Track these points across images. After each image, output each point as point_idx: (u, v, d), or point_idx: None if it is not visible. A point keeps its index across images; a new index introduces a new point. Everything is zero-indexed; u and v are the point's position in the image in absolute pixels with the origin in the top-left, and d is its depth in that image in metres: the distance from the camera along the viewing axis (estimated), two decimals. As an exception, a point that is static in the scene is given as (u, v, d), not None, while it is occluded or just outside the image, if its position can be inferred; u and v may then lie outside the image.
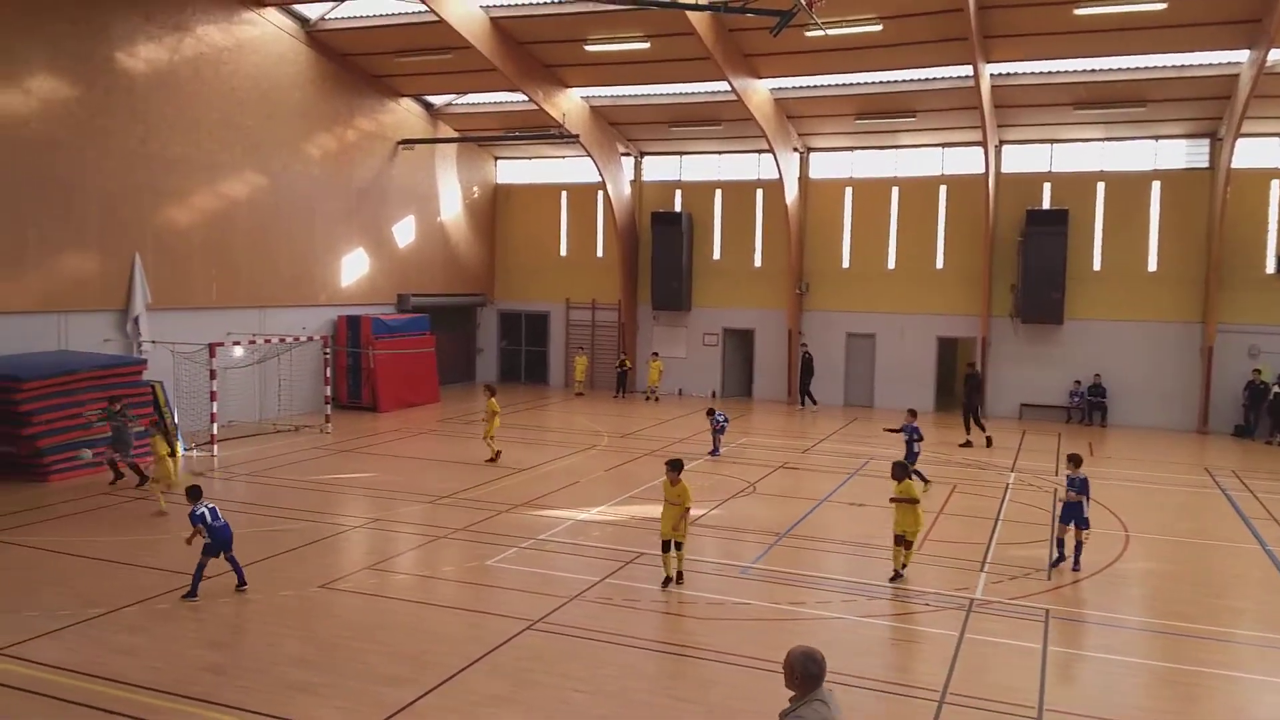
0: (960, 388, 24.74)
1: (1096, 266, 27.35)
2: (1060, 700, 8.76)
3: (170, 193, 21.42)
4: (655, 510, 15.55)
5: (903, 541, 12.10)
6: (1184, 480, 19.41)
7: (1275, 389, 24.63)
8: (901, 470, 12.46)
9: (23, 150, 18.20)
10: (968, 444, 22.95)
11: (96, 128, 19.61)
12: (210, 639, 9.87)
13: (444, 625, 10.43)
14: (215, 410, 19.93)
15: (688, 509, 11.87)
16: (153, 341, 20.35)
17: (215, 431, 19.90)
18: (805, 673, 5.14)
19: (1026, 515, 16.01)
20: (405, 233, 29.75)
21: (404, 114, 29.28)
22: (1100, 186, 27.28)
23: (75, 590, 11.15)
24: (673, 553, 11.84)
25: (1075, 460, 13.13)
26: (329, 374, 23.64)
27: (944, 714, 8.45)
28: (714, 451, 20.97)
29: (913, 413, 18.73)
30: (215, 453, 19.55)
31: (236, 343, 21.86)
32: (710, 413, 21.67)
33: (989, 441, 23.02)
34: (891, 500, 12.28)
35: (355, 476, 18.14)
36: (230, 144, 22.95)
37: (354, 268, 27.49)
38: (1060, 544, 12.96)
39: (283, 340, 22.79)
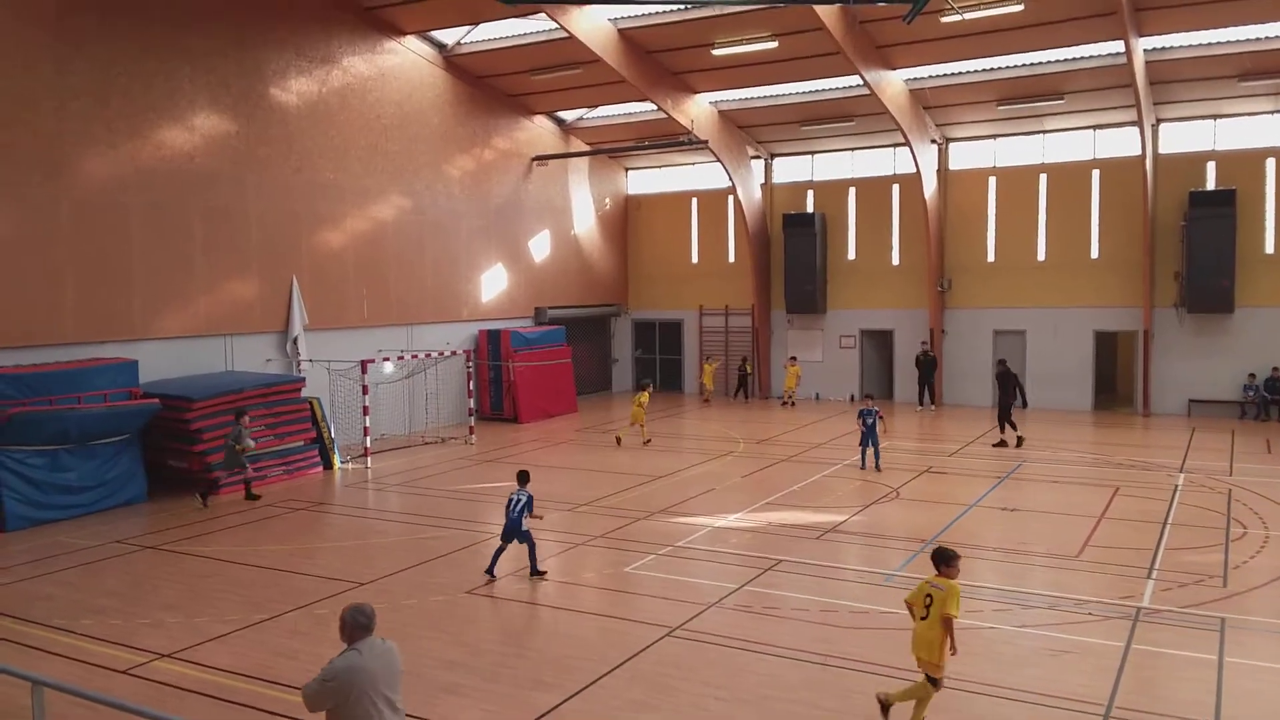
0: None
1: (1269, 249, 25.27)
2: (1240, 714, 8.08)
3: (323, 218, 22.62)
4: (796, 516, 15.40)
5: None
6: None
7: None
8: None
9: (189, 183, 19.59)
10: (1002, 444, 21.53)
11: (255, 159, 20.91)
12: (365, 642, 10.25)
13: (585, 631, 10.54)
14: (368, 424, 20.85)
15: (950, 619, 7.75)
16: (310, 360, 21.50)
17: (369, 444, 20.81)
18: (353, 623, 5.82)
19: (1199, 519, 14.90)
20: (540, 247, 30.42)
21: (537, 131, 29.98)
22: (1270, 163, 25.21)
23: (242, 597, 11.83)
24: (921, 687, 7.92)
25: None
26: (472, 387, 24.38)
27: (1109, 730, 7.93)
28: (864, 464, 19.11)
29: None
30: (369, 464, 20.43)
31: (387, 359, 22.83)
32: (866, 401, 19.80)
33: (1019, 441, 21.46)
34: None
35: (498, 485, 18.59)
36: (376, 169, 24.04)
37: (493, 283, 28.29)
38: None
39: (429, 356, 23.67)
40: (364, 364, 20.88)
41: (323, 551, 14.10)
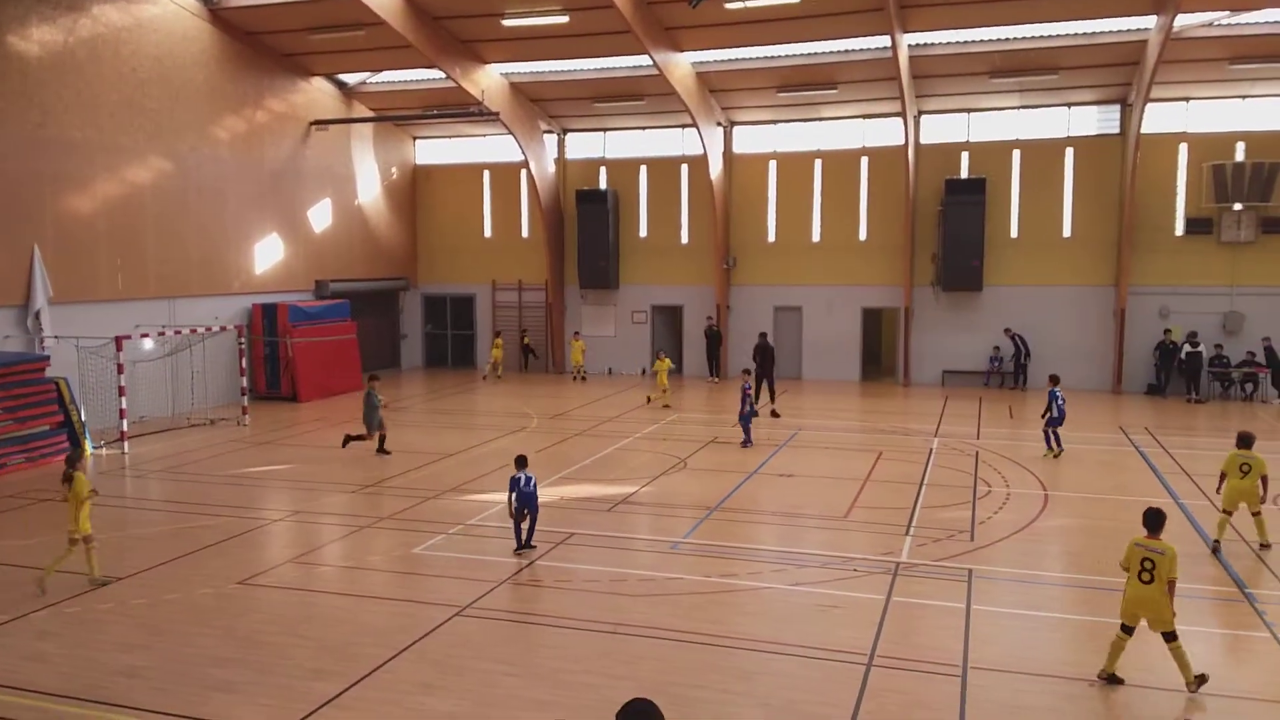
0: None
1: (1014, 234, 27.93)
2: (984, 657, 8.91)
3: (71, 180, 20.47)
4: (590, 490, 15.56)
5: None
6: (1100, 439, 19.99)
7: (1186, 348, 25.52)
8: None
9: (-97, 137, 17.18)
10: (775, 414, 22.95)
11: (-15, 112, 18.62)
12: (124, 641, 9.48)
13: (370, 616, 10.19)
14: (124, 406, 19.20)
15: (1174, 583, 8.26)
16: (55, 337, 19.48)
17: (125, 428, 19.17)
18: None
19: (950, 479, 16.32)
20: (322, 217, 28.95)
21: (316, 94, 28.43)
22: (1016, 155, 27.83)
23: (-24, 598, 10.61)
24: (1179, 645, 8.22)
25: None
26: (245, 364, 22.92)
27: (871, 677, 8.53)
28: (745, 442, 19.20)
29: (1054, 378, 18.42)
30: (126, 450, 18.82)
31: (145, 335, 21.06)
32: (744, 376, 20.65)
33: (774, 414, 22.97)
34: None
35: (275, 468, 17.63)
36: (133, 127, 22.00)
37: (268, 254, 26.66)
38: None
39: (194, 331, 22.02)
40: (119, 340, 19.16)
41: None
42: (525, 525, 12.25)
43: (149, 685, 8.43)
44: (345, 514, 14.31)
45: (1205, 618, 10.21)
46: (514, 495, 12.04)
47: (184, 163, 23.52)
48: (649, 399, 25.13)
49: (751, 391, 19.72)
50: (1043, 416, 18.21)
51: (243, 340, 23.00)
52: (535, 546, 12.28)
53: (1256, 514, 12.21)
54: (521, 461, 12.40)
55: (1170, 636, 8.21)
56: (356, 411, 23.93)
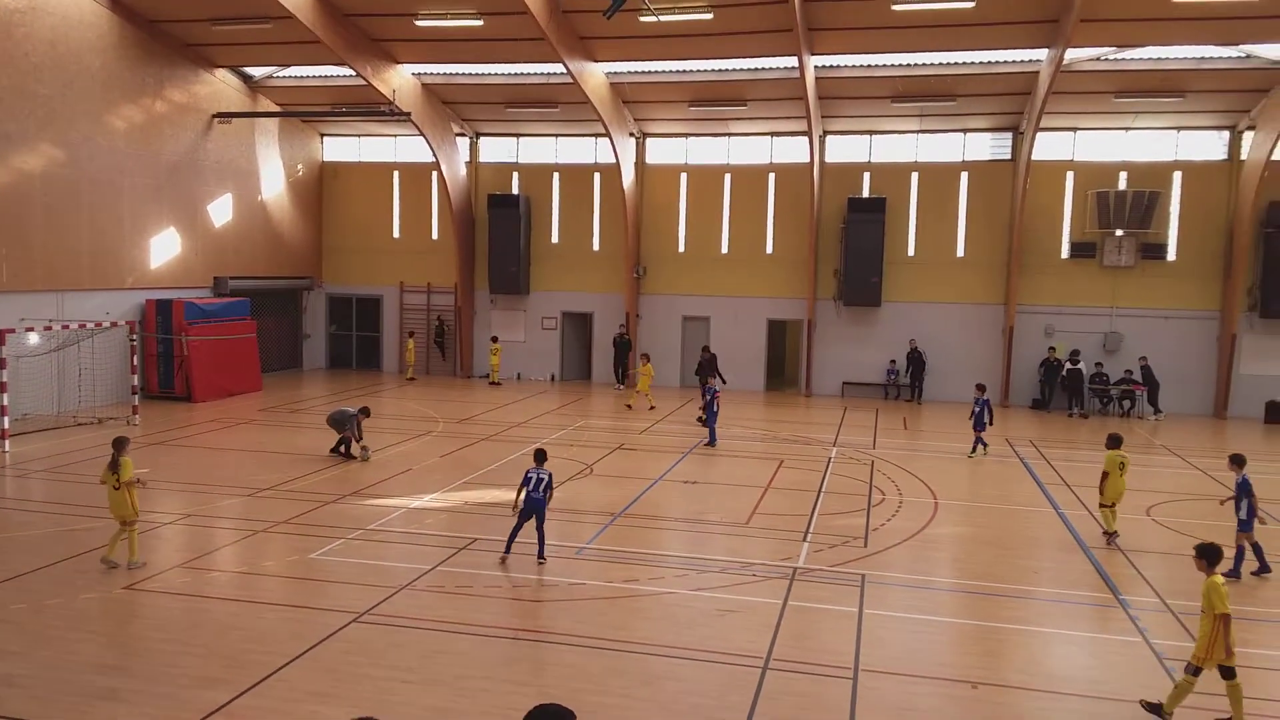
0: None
1: (911, 252, 28.90)
2: (874, 660, 9.24)
3: (-52, 164, 19.46)
4: (493, 495, 15.50)
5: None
6: (988, 450, 20.80)
7: (1068, 365, 26.82)
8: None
9: None
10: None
11: None
12: (1, 648, 9.06)
13: (262, 623, 9.97)
14: (5, 403, 18.29)
15: (1222, 617, 7.87)
16: (-71, 328, 18.47)
17: (6, 426, 18.26)
18: None
19: (847, 487, 16.82)
20: (222, 212, 28.11)
21: (220, 86, 27.62)
22: (914, 176, 28.82)
23: None
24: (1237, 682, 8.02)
25: (1238, 460, 12.31)
26: (136, 362, 22.09)
27: (767, 679, 8.76)
28: (710, 441, 20.53)
29: (981, 387, 20.60)
30: (6, 448, 17.94)
31: (30, 329, 20.10)
32: (711, 381, 22.23)
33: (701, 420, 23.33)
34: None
35: (165, 470, 17.03)
36: (22, 114, 21.02)
37: (165, 249, 25.76)
38: (1257, 550, 12.10)
39: (83, 326, 21.12)
40: (2, 333, 18.27)
41: (-56, 550, 12.22)
42: (521, 532, 11.98)
43: (27, 694, 8.11)
44: (239, 518, 13.93)
45: (1080, 622, 10.78)
46: (522, 494, 11.86)
47: (77, 152, 22.57)
48: (651, 406, 25.37)
49: (720, 396, 21.26)
50: (985, 423, 19.97)
51: (135, 337, 22.16)
52: (545, 560, 11.92)
53: (1110, 506, 13.67)
54: (540, 455, 12.18)
55: (1228, 673, 7.97)
56: (253, 414, 23.42)
